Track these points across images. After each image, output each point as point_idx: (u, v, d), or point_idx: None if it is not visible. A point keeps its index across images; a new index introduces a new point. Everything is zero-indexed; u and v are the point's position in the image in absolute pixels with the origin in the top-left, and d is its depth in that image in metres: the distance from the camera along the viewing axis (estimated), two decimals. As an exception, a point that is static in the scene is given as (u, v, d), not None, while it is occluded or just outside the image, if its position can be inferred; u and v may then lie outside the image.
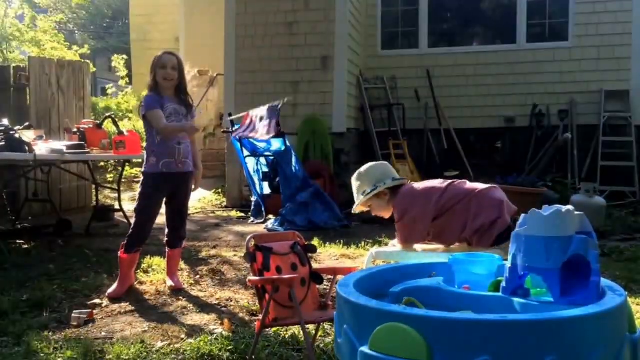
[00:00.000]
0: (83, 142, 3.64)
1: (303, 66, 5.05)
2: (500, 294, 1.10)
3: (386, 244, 3.25)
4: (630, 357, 0.97)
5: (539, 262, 1.03)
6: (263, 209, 4.33)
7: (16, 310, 2.24)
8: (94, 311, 2.24)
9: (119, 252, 2.47)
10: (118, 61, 8.87)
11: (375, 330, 0.93)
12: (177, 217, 2.53)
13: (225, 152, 5.31)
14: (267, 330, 1.84)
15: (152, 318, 2.18)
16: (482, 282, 1.19)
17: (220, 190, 5.50)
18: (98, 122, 4.09)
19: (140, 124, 5.19)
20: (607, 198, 4.49)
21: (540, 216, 1.05)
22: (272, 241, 1.71)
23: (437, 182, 2.07)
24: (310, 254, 1.79)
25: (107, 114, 4.49)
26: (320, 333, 1.88)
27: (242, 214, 4.63)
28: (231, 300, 2.37)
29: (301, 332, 1.71)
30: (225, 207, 5.06)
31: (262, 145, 4.51)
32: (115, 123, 4.15)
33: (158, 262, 2.85)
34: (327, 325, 1.92)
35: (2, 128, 3.27)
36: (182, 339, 1.97)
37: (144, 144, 2.67)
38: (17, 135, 3.25)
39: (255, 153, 4.50)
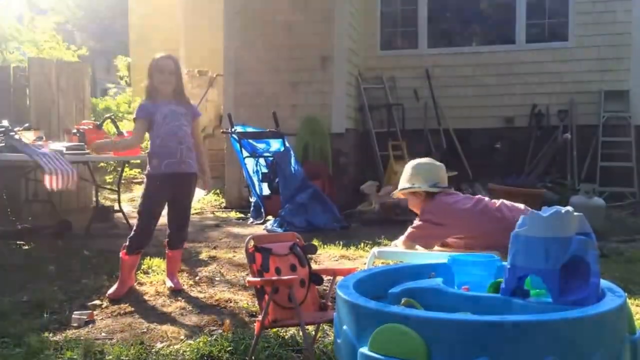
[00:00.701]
0: (83, 143, 3.64)
1: (302, 66, 5.04)
2: (499, 294, 1.10)
3: (385, 245, 3.26)
4: (630, 358, 0.97)
5: (538, 263, 1.03)
6: (262, 210, 4.33)
7: (16, 311, 2.24)
8: (94, 312, 2.24)
9: (121, 253, 2.47)
10: (122, 63, 8.86)
11: (374, 331, 0.93)
12: (179, 218, 2.53)
13: (225, 153, 5.31)
14: (267, 331, 1.84)
15: (152, 319, 2.18)
16: (481, 283, 1.19)
17: (219, 191, 5.50)
18: (98, 123, 4.09)
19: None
20: (607, 199, 4.49)
21: (539, 217, 1.05)
22: (271, 242, 1.71)
23: (470, 203, 2.01)
24: (309, 255, 1.79)
25: (107, 115, 4.49)
26: (319, 334, 1.88)
27: (242, 215, 4.63)
28: (230, 301, 2.37)
29: (301, 333, 1.71)
30: (225, 207, 5.06)
31: (261, 146, 4.51)
32: (115, 124, 4.15)
33: (158, 263, 2.85)
34: (326, 326, 1.92)
35: (2, 129, 3.27)
36: (182, 339, 1.97)
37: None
38: (17, 136, 3.25)
39: (255, 154, 4.50)
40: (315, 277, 1.72)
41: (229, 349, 1.84)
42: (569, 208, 1.07)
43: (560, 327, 0.89)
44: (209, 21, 6.64)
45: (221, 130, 5.42)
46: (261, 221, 4.24)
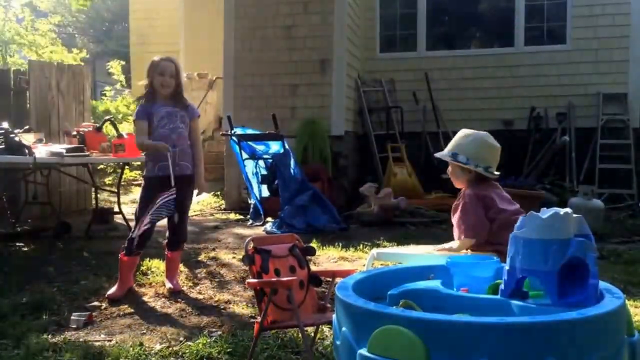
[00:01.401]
0: (83, 145, 3.64)
1: (302, 69, 5.06)
2: (498, 296, 1.10)
3: (384, 246, 3.26)
4: (628, 360, 0.97)
5: (537, 264, 1.04)
6: (262, 212, 4.33)
7: (16, 312, 2.24)
8: (93, 314, 2.24)
9: (120, 255, 2.47)
10: (115, 66, 8.88)
11: (373, 332, 0.93)
12: (177, 220, 2.53)
13: (224, 155, 5.31)
14: (266, 332, 1.84)
15: (151, 320, 2.18)
16: (480, 284, 1.19)
17: (219, 193, 5.50)
18: (98, 125, 4.10)
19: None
20: (605, 201, 4.50)
21: (538, 219, 1.05)
22: (270, 244, 1.72)
23: (512, 209, 1.80)
24: (308, 257, 1.79)
25: (107, 117, 4.49)
26: (318, 335, 1.88)
27: (241, 217, 4.63)
28: (230, 303, 2.37)
29: (300, 335, 1.71)
30: (224, 209, 5.06)
31: (260, 148, 4.52)
32: (114, 126, 4.16)
33: (157, 265, 2.85)
34: (325, 328, 1.92)
35: (2, 131, 3.27)
36: (181, 341, 1.96)
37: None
38: (17, 138, 3.25)
39: (254, 156, 4.51)
40: (314, 279, 1.72)
41: (228, 350, 1.84)
42: (568, 210, 1.07)
43: (559, 329, 0.89)
44: (208, 24, 6.66)
45: (221, 133, 5.43)
46: (260, 223, 4.24)
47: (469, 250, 1.81)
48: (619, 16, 5.39)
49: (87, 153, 3.59)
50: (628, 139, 5.29)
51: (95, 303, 2.38)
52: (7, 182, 3.82)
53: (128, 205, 4.98)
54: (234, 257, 3.10)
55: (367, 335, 0.94)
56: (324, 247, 3.31)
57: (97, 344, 1.95)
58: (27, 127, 3.84)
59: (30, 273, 2.82)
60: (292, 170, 4.25)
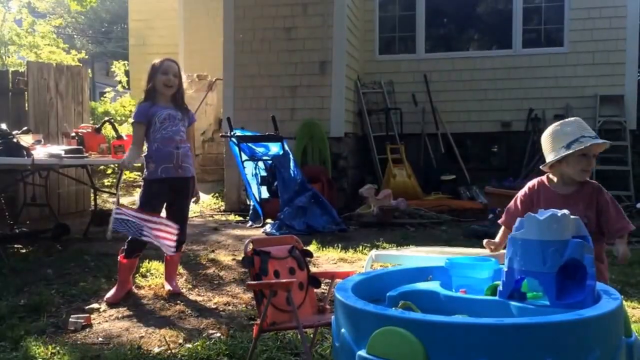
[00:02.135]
0: (81, 147, 3.64)
1: (301, 71, 5.07)
2: (497, 297, 1.11)
3: (384, 248, 3.26)
4: (626, 360, 0.97)
5: (535, 266, 1.04)
6: (261, 213, 4.33)
7: (14, 315, 2.23)
8: (92, 316, 2.23)
9: (119, 257, 2.47)
10: (118, 67, 8.86)
11: (372, 334, 0.94)
12: (177, 222, 2.52)
13: (224, 157, 5.32)
14: (265, 334, 1.84)
15: (150, 323, 2.17)
16: (479, 285, 1.20)
17: (218, 194, 5.50)
18: (97, 126, 4.09)
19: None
20: (603, 202, 4.52)
21: (536, 220, 1.06)
22: (270, 245, 1.72)
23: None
24: (308, 258, 1.79)
25: (106, 119, 4.49)
26: (318, 337, 1.88)
27: (241, 218, 4.63)
28: (229, 305, 2.36)
29: (299, 337, 1.71)
30: (224, 211, 5.05)
31: (260, 149, 4.52)
32: (114, 127, 4.15)
33: (156, 267, 2.84)
34: (325, 330, 1.92)
35: (0, 132, 3.26)
36: (180, 343, 1.96)
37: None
38: (15, 140, 3.25)
39: (254, 157, 4.51)
40: (314, 280, 1.73)
41: (227, 352, 1.84)
42: (565, 211, 1.08)
43: (557, 330, 0.89)
44: (208, 25, 6.67)
45: (220, 134, 5.43)
46: (260, 224, 4.24)
47: None
48: (616, 19, 5.43)
49: (85, 154, 3.59)
50: (625, 140, 5.32)
51: (94, 305, 2.38)
52: (5, 183, 3.81)
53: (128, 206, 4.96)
54: (233, 259, 3.10)
55: (366, 336, 0.95)
56: (324, 249, 3.31)
57: (95, 346, 1.94)
58: (25, 128, 3.83)
59: (29, 275, 2.82)
60: (291, 172, 4.25)
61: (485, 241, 1.71)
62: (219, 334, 2.02)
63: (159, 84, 2.41)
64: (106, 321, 2.21)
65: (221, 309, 2.31)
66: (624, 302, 1.06)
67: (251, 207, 4.50)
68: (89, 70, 5.99)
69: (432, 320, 0.94)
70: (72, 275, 2.83)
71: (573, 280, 1.05)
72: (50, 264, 3.04)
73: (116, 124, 4.61)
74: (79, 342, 1.98)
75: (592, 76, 5.46)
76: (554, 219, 1.05)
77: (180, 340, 1.99)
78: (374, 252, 2.18)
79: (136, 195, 5.81)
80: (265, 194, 4.47)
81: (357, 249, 3.29)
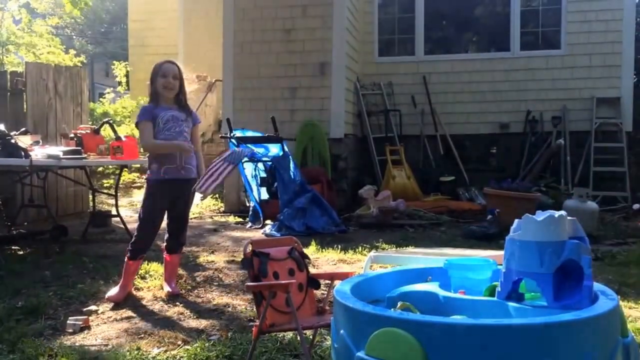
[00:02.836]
0: (80, 148, 3.64)
1: (301, 72, 5.08)
2: (495, 298, 1.11)
3: (383, 249, 3.26)
4: (623, 361, 0.98)
5: (532, 266, 1.05)
6: (261, 215, 4.34)
7: (11, 317, 2.23)
8: (90, 318, 2.23)
9: (126, 258, 2.47)
10: (119, 68, 8.84)
11: (371, 335, 0.94)
12: (178, 223, 2.53)
13: (223, 158, 5.31)
14: (265, 335, 1.84)
15: (149, 324, 2.17)
16: (477, 286, 1.20)
17: (218, 196, 5.50)
18: (95, 127, 4.09)
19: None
20: (600, 203, 4.54)
21: (533, 221, 1.07)
22: (269, 246, 1.72)
23: None
24: (307, 260, 1.80)
25: (105, 120, 4.49)
26: (317, 338, 1.88)
27: (240, 219, 4.63)
28: (228, 306, 2.36)
29: (298, 338, 1.71)
30: (223, 212, 5.05)
31: (260, 150, 4.52)
32: (113, 128, 4.15)
33: (155, 268, 2.84)
34: (324, 331, 1.92)
35: (-1, 133, 3.26)
36: (179, 345, 1.96)
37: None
38: (13, 141, 3.24)
39: (253, 158, 4.51)
40: (313, 282, 1.73)
41: (226, 354, 1.84)
42: (563, 212, 1.09)
43: (555, 331, 0.90)
44: (208, 26, 6.67)
45: (220, 135, 5.43)
46: (259, 225, 4.24)
47: None
48: (612, 22, 5.47)
49: (84, 155, 3.58)
50: (621, 142, 5.35)
51: (92, 307, 2.37)
52: (3, 184, 3.80)
53: (126, 208, 4.97)
54: (232, 260, 3.10)
55: (365, 337, 0.95)
56: (323, 250, 3.32)
57: (93, 348, 1.94)
58: (23, 129, 3.82)
59: (26, 277, 2.81)
60: (291, 173, 4.25)
61: None
62: (218, 336, 2.03)
63: (159, 87, 2.42)
64: (104, 323, 2.20)
65: (220, 311, 2.31)
66: (621, 302, 1.07)
67: (251, 208, 4.50)
68: (88, 71, 5.97)
69: (431, 321, 0.94)
70: (70, 277, 2.82)
71: (570, 281, 1.05)
72: (48, 265, 3.03)
73: (115, 125, 4.60)
74: (77, 344, 1.98)
75: (589, 78, 5.49)
76: (551, 221, 1.05)
77: (180, 342, 1.98)
78: (373, 253, 2.19)
79: (135, 196, 5.82)
80: (264, 195, 4.48)
81: (357, 250, 3.29)
